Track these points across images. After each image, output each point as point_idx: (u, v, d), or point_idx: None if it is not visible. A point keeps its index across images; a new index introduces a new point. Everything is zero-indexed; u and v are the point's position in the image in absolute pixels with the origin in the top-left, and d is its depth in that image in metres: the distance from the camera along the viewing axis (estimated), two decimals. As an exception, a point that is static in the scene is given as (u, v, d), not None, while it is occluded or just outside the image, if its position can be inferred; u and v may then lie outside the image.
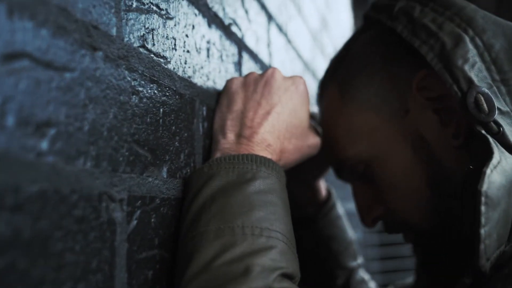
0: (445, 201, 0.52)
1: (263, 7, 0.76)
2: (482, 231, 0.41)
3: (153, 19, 0.43)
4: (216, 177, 0.44)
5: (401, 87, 0.55)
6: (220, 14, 0.58)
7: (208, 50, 0.54)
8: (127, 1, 0.39)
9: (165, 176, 0.43)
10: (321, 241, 0.73)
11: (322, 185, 0.74)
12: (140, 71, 0.40)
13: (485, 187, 0.41)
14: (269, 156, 0.48)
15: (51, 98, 0.30)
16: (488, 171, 0.41)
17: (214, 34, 0.56)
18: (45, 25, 0.29)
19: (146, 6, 0.42)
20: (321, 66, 1.20)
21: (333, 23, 1.50)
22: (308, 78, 1.04)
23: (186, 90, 0.48)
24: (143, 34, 0.41)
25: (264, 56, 0.74)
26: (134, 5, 0.40)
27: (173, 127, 0.45)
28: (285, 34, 0.89)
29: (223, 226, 0.41)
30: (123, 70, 0.38)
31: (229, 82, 0.54)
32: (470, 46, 0.47)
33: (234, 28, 0.62)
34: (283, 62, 0.85)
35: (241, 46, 0.65)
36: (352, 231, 0.79)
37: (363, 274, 0.79)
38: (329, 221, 0.73)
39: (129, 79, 0.39)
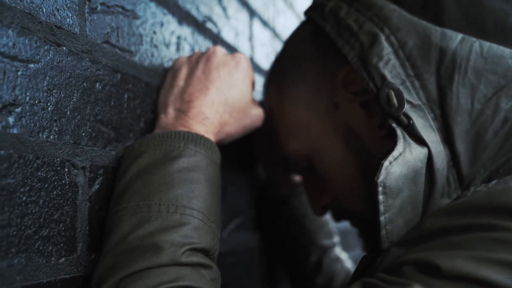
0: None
1: (245, 4, 0.83)
2: (382, 218, 0.45)
3: (118, 19, 0.51)
4: (144, 154, 0.46)
5: (330, 83, 0.58)
6: (193, 12, 0.66)
7: (178, 44, 0.62)
8: (91, 5, 0.47)
9: (129, 151, 0.51)
10: (295, 220, 0.80)
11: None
12: (103, 63, 0.48)
13: (381, 178, 0.44)
14: (204, 129, 0.51)
15: (17, 84, 0.38)
16: (386, 163, 0.44)
17: (186, 30, 0.64)
18: (10, 26, 0.38)
19: (111, 8, 0.50)
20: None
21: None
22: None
23: (152, 79, 0.56)
24: (107, 32, 0.49)
25: (244, 49, 0.81)
26: (98, 8, 0.48)
27: (139, 110, 0.54)
28: (272, 29, 0.96)
29: (142, 203, 0.43)
30: (86, 62, 0.46)
31: (175, 61, 0.58)
32: (386, 44, 0.50)
33: (209, 25, 0.70)
34: (269, 55, 0.92)
35: (217, 40, 0.72)
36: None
37: (338, 253, 0.84)
38: (302, 201, 0.80)
39: (92, 69, 0.47)
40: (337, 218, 0.66)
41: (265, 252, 0.83)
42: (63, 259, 0.42)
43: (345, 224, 1.04)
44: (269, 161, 0.78)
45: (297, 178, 0.80)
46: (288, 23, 1.06)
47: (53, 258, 0.41)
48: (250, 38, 0.85)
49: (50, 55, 0.42)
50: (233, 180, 0.74)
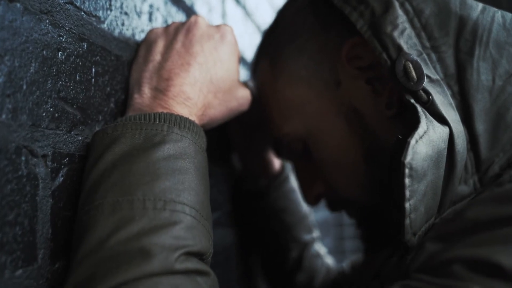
0: (382, 174, 0.47)
1: (217, -23, 0.75)
2: (407, 205, 0.39)
3: (84, -24, 0.42)
4: (120, 140, 0.39)
5: (331, 57, 0.52)
6: (166, -21, 0.57)
7: (150, 14, 0.53)
8: (51, -45, 0.38)
9: (98, 137, 0.43)
10: (274, 214, 0.73)
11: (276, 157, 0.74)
12: (67, 28, 0.39)
13: (408, 158, 0.38)
14: (187, 110, 0.43)
15: (-43, 45, 0.29)
16: (412, 141, 0.39)
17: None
18: None
19: (75, -38, 0.41)
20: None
21: None
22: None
23: (123, 52, 0.48)
24: (71, -9, 0.40)
25: (218, 26, 0.73)
26: (60, -40, 0.39)
27: (108, 88, 0.45)
28: (243, 7, 0.88)
29: (121, 198, 0.36)
30: (46, 24, 0.37)
31: (149, 32, 0.50)
32: (400, 11, 0.45)
33: (182, -5, 0.62)
34: (241, 35, 0.85)
35: (190, 14, 0.64)
36: (306, 205, 0.79)
37: (318, 248, 0.79)
38: (281, 193, 0.73)
39: (54, 34, 0.38)
40: (333, 208, 0.60)
41: (243, 249, 0.75)
42: (20, 270, 0.33)
43: (315, 215, 0.99)
44: (247, 150, 0.71)
45: (277, 167, 0.74)
46: (259, 3, 0.99)
47: (7, 271, 0.32)
48: (223, 15, 0.77)
49: (0, 11, 0.33)
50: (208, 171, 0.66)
